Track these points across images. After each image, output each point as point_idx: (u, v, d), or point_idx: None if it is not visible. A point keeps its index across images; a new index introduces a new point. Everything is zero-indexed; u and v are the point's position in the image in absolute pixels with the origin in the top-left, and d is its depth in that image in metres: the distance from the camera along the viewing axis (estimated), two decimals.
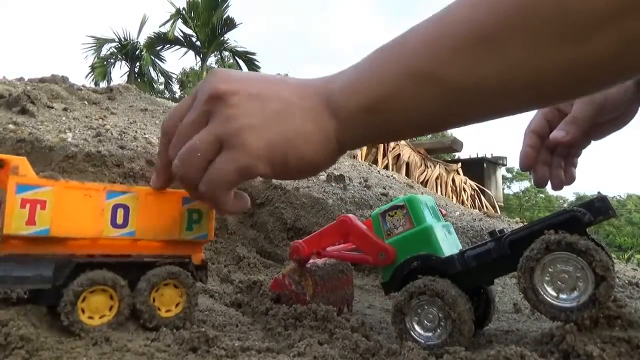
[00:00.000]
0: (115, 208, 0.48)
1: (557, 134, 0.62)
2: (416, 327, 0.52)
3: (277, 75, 0.48)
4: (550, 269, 0.47)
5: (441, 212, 0.64)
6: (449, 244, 0.57)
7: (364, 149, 5.89)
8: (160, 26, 12.30)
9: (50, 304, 0.46)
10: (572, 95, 0.40)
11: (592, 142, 0.68)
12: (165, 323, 0.50)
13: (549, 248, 0.46)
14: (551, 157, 0.66)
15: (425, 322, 0.51)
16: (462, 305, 0.50)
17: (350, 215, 0.61)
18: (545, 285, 0.47)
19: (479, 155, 7.34)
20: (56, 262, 0.46)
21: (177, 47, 12.50)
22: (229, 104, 0.42)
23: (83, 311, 0.46)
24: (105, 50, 12.54)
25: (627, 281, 1.09)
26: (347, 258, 0.62)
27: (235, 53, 12.76)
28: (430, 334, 0.51)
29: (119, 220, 0.49)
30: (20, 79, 2.08)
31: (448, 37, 0.36)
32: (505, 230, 0.55)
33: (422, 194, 2.14)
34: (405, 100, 0.38)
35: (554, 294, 0.47)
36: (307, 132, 0.42)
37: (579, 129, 0.63)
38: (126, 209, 0.49)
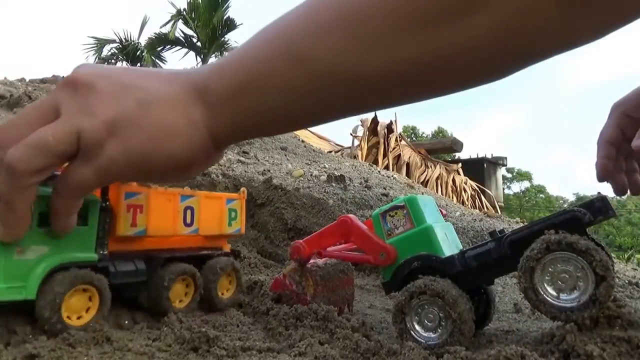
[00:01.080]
0: (185, 209, 0.57)
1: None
2: (417, 326, 0.52)
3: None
4: (550, 269, 0.47)
5: (441, 213, 0.64)
6: (449, 244, 0.57)
7: (365, 148, 5.89)
8: (161, 27, 12.30)
9: (134, 295, 0.53)
10: (454, 83, 0.35)
11: None
12: (226, 304, 0.60)
13: (549, 248, 0.46)
14: (626, 164, 0.64)
15: (426, 321, 0.52)
16: (463, 305, 0.50)
17: (351, 216, 0.61)
18: (546, 285, 0.47)
19: (479, 156, 7.34)
20: (146, 257, 0.54)
21: (178, 47, 12.51)
22: (84, 92, 0.36)
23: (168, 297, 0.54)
24: (106, 50, 12.55)
25: (627, 281, 1.09)
26: (348, 258, 0.62)
27: None
28: (430, 333, 0.51)
29: (188, 220, 0.58)
30: (22, 80, 2.08)
31: (320, 18, 0.33)
32: (505, 230, 0.55)
33: (422, 194, 2.15)
34: (274, 81, 0.34)
35: (554, 293, 0.47)
36: (169, 123, 0.35)
37: None
38: (192, 210, 0.58)
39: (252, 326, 0.58)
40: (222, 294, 0.61)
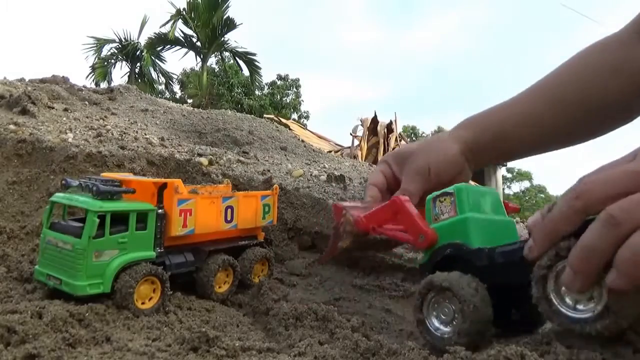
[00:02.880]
0: (226, 209, 0.68)
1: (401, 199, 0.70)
2: (434, 320, 0.52)
3: None
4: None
5: (514, 208, 0.65)
6: (495, 239, 0.55)
7: (364, 148, 5.89)
8: (160, 27, 12.30)
9: (185, 282, 0.64)
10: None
11: None
12: (257, 286, 0.68)
13: (559, 254, 0.43)
14: None
15: (442, 315, 0.51)
16: (478, 301, 0.49)
17: (402, 197, 0.61)
18: (562, 294, 0.43)
19: None
20: (194, 250, 0.65)
21: (178, 47, 12.51)
22: None
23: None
24: (105, 50, 12.56)
25: None
26: (393, 235, 0.62)
27: (235, 53, 12.76)
28: (445, 327, 0.51)
29: (229, 217, 0.68)
30: (21, 80, 2.08)
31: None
32: None
33: None
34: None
35: (570, 303, 0.43)
36: None
37: (415, 201, 0.69)
38: (232, 208, 0.68)
39: (252, 326, 0.59)
40: (255, 278, 0.72)
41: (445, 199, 0.58)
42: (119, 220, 0.56)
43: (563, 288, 0.43)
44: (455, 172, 0.74)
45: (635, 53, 0.68)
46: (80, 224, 0.55)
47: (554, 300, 0.44)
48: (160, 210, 0.59)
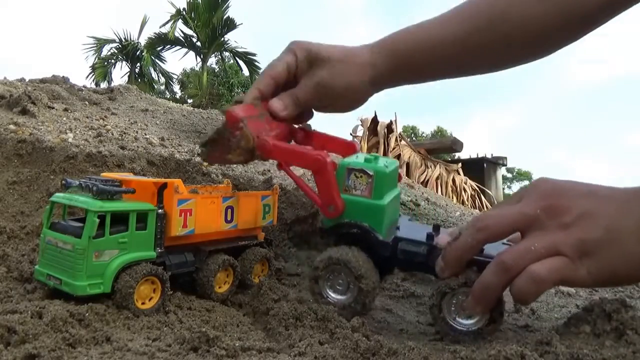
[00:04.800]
0: (226, 209, 0.67)
1: (275, 105, 0.67)
2: (329, 290, 0.59)
3: (595, 185, 0.52)
4: (460, 297, 0.54)
5: (399, 176, 0.68)
6: (392, 216, 0.63)
7: (364, 148, 5.89)
8: (160, 27, 12.30)
9: (185, 282, 0.64)
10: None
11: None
12: (257, 286, 0.67)
13: (467, 284, 0.54)
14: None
15: (337, 286, 0.59)
16: (370, 276, 0.57)
17: (329, 159, 0.60)
18: (450, 308, 0.55)
19: (479, 156, 7.34)
20: (194, 250, 0.64)
21: (178, 47, 12.50)
22: (563, 219, 0.49)
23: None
24: (105, 50, 12.55)
25: None
26: (304, 189, 0.63)
27: (235, 54, 12.76)
28: (340, 296, 0.59)
29: (229, 217, 0.67)
30: (21, 80, 2.08)
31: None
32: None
33: (422, 194, 2.14)
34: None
35: (454, 316, 0.55)
36: (631, 256, 0.46)
37: (297, 110, 0.69)
38: (232, 209, 0.68)
39: (252, 326, 0.58)
40: (255, 278, 0.72)
41: (361, 176, 0.59)
42: (119, 220, 0.56)
43: (453, 302, 0.55)
44: (357, 98, 0.73)
45: None
46: (81, 224, 0.55)
47: (443, 310, 0.55)
48: (160, 210, 0.59)
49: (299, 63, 0.69)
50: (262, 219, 0.73)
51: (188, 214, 0.61)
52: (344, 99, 0.71)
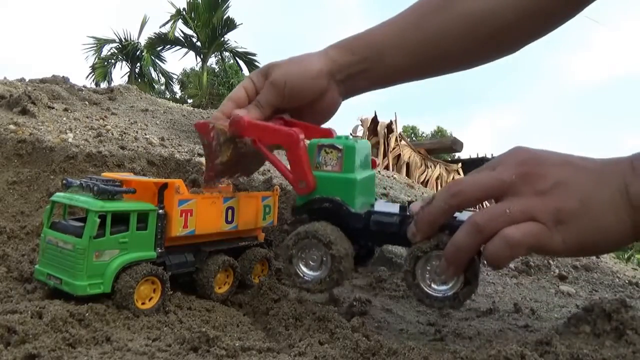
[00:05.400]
0: (227, 209, 0.66)
1: (237, 111, 0.66)
2: (302, 267, 0.58)
3: (571, 155, 0.52)
4: (434, 263, 0.54)
5: (373, 162, 0.67)
6: (366, 195, 0.61)
7: None
8: (160, 27, 12.30)
9: (184, 282, 0.64)
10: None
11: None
12: (257, 286, 0.67)
13: (438, 246, 0.53)
14: None
15: (310, 262, 0.58)
16: (342, 247, 0.56)
17: (300, 135, 0.61)
18: (425, 274, 0.54)
19: (479, 155, 7.34)
20: (194, 251, 0.64)
21: (178, 47, 12.50)
22: (539, 187, 0.48)
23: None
24: (105, 50, 12.55)
25: (627, 281, 1.09)
26: (277, 166, 0.63)
27: (235, 54, 12.76)
28: (313, 272, 0.57)
29: (229, 218, 0.67)
30: (21, 80, 2.08)
31: None
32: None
33: (422, 194, 2.14)
34: None
35: (428, 282, 0.54)
36: (604, 227, 0.47)
37: (262, 113, 0.68)
38: (233, 209, 0.67)
39: (252, 326, 0.58)
40: (255, 278, 0.71)
41: (331, 152, 0.60)
42: (120, 220, 0.56)
43: (427, 268, 0.54)
44: (316, 91, 0.69)
45: None
46: (81, 224, 0.55)
47: (417, 276, 0.54)
48: (161, 211, 0.59)
49: (256, 82, 0.70)
50: (262, 219, 0.73)
51: (189, 214, 0.61)
52: (304, 92, 0.68)
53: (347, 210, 0.58)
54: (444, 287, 0.53)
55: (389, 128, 6.04)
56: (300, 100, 0.69)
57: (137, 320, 0.53)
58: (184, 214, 0.61)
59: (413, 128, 21.15)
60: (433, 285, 0.54)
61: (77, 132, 1.39)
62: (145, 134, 1.58)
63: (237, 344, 0.46)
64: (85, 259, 0.53)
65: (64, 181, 0.60)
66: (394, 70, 0.70)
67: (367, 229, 0.58)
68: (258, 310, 0.63)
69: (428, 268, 0.54)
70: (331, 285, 0.57)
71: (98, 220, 0.53)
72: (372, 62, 0.69)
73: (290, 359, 0.45)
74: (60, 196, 0.59)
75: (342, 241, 0.57)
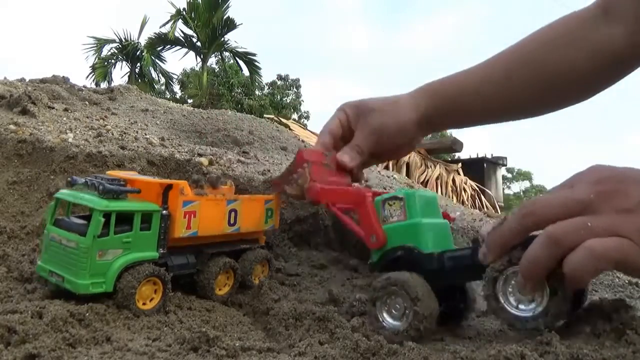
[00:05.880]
0: (230, 212, 0.67)
1: (344, 158, 0.73)
2: (385, 315, 0.56)
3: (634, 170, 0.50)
4: (513, 281, 0.50)
5: (446, 215, 0.66)
6: (439, 242, 0.60)
7: None
8: (160, 27, 12.30)
9: (185, 282, 0.64)
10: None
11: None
12: (257, 286, 0.68)
13: (511, 261, 0.50)
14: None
15: (393, 311, 0.56)
16: (427, 300, 0.54)
17: (368, 193, 0.64)
18: (507, 295, 0.51)
19: (479, 156, 7.33)
20: (196, 252, 0.64)
21: (178, 47, 12.51)
22: (622, 204, 0.45)
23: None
24: (106, 50, 12.56)
25: (627, 281, 1.09)
26: (348, 224, 0.64)
27: (235, 54, 12.77)
28: (396, 322, 0.55)
29: (232, 220, 0.67)
30: (21, 80, 2.08)
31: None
32: None
33: None
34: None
35: (514, 303, 0.50)
36: None
37: (363, 159, 0.75)
38: (235, 212, 0.67)
39: (252, 326, 0.59)
40: (255, 280, 0.72)
41: (394, 203, 0.62)
42: (124, 219, 0.56)
43: (509, 289, 0.50)
44: (407, 140, 0.77)
45: (597, 31, 0.69)
46: (85, 222, 0.55)
47: (500, 299, 0.51)
48: (164, 212, 0.59)
49: (350, 118, 0.77)
50: (264, 223, 0.73)
51: (192, 215, 0.61)
52: (397, 140, 0.76)
53: (418, 253, 0.58)
54: (532, 306, 0.49)
55: None
56: (392, 145, 0.76)
57: (137, 320, 0.53)
58: (187, 215, 0.61)
59: None
60: (521, 306, 0.50)
61: (77, 132, 1.39)
62: (146, 134, 1.58)
63: (237, 344, 0.46)
64: (88, 257, 0.53)
65: (69, 179, 0.60)
66: (472, 117, 0.79)
67: (442, 269, 0.57)
68: (258, 310, 0.63)
69: (510, 289, 0.50)
70: (406, 339, 0.53)
71: (103, 220, 0.53)
72: (454, 110, 0.77)
73: (290, 359, 0.45)
74: (64, 193, 0.59)
75: (429, 299, 0.55)
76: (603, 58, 0.68)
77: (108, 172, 0.66)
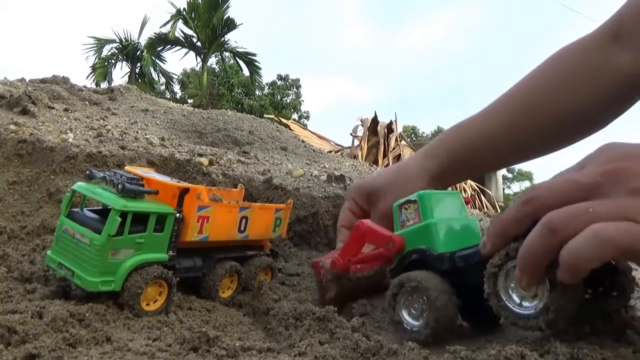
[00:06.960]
0: (241, 219, 0.67)
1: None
2: (405, 315, 0.55)
3: None
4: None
5: (467, 200, 0.66)
6: (461, 240, 0.57)
7: (365, 149, 5.89)
8: (160, 27, 12.31)
9: (189, 284, 0.63)
10: None
11: None
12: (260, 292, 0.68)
13: (509, 254, 0.46)
14: None
15: (412, 310, 0.55)
16: (441, 298, 0.52)
17: (364, 220, 0.63)
18: (510, 292, 0.47)
19: None
20: (203, 256, 0.64)
21: (178, 47, 12.51)
22: (632, 184, 0.40)
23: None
24: (106, 50, 12.57)
25: None
26: (367, 258, 0.64)
27: (235, 54, 12.77)
28: (415, 321, 0.54)
29: (242, 227, 0.67)
30: (22, 80, 2.08)
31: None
32: None
33: None
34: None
35: (517, 300, 0.47)
36: None
37: None
38: (246, 219, 0.68)
39: (252, 326, 0.59)
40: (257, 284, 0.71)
41: (409, 207, 0.60)
42: (138, 220, 0.55)
43: (512, 285, 0.47)
44: None
45: (607, 59, 0.67)
46: (100, 217, 0.55)
47: (502, 296, 0.47)
48: (178, 215, 0.59)
49: (361, 204, 0.78)
50: (272, 231, 0.73)
51: (205, 220, 0.61)
52: None
53: (431, 254, 0.56)
54: (535, 302, 0.45)
55: (389, 128, 6.03)
56: None
57: (137, 321, 0.53)
58: (200, 220, 0.61)
59: (413, 128, 21.15)
60: (524, 303, 0.46)
61: (78, 132, 1.39)
62: (146, 134, 1.58)
63: (237, 344, 0.46)
64: (101, 255, 0.52)
65: (88, 172, 0.59)
66: (482, 166, 0.79)
67: (455, 268, 0.55)
68: (258, 311, 0.63)
69: (512, 285, 0.47)
70: (428, 338, 0.53)
71: (120, 220, 0.53)
72: (463, 163, 0.77)
73: (290, 359, 0.45)
74: (82, 187, 0.58)
75: (445, 297, 0.53)
76: (616, 91, 0.68)
77: (126, 167, 0.65)
